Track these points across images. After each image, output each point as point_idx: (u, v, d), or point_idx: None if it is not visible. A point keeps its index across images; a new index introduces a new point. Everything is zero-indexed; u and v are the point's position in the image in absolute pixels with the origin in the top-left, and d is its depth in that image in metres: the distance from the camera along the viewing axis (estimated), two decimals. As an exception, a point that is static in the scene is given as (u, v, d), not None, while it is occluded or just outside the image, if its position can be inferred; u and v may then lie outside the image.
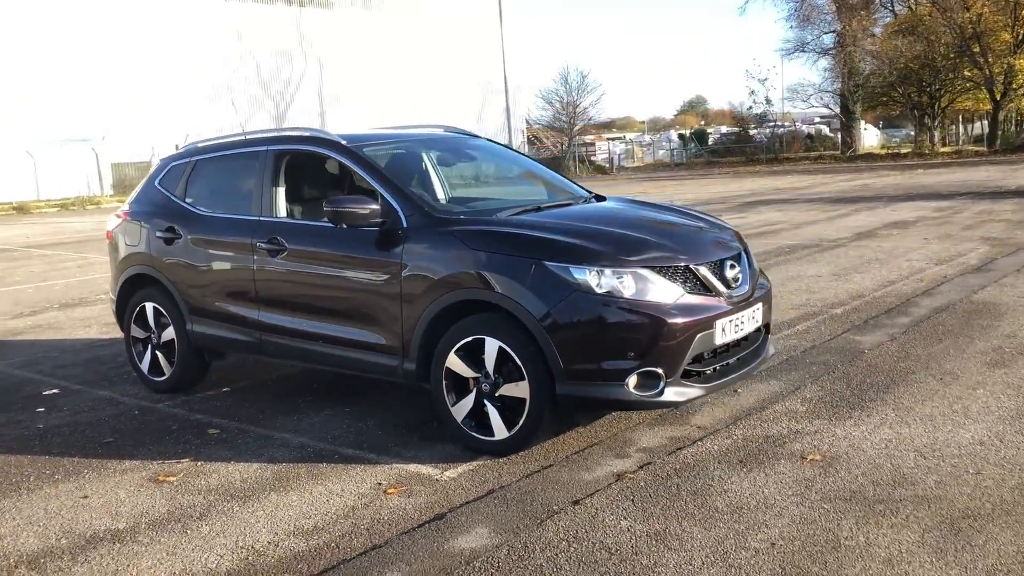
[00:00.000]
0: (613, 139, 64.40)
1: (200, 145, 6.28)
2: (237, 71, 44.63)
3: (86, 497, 4.36)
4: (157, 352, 6.19)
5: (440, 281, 4.67)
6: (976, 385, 5.40)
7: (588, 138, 60.32)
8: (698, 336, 4.45)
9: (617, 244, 4.57)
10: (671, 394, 4.43)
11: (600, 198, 5.84)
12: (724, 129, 62.94)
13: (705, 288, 4.59)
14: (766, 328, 5.20)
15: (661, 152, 57.75)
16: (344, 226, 4.91)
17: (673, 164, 52.32)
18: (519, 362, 4.42)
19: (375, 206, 4.87)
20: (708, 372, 4.63)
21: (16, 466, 4.85)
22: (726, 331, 4.61)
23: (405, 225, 4.84)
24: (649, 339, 4.34)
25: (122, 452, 4.99)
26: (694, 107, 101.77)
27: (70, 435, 5.35)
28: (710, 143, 57.71)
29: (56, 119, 37.30)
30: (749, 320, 4.80)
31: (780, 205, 19.92)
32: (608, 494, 4.06)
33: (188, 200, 6.06)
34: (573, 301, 4.33)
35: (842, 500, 3.86)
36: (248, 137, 5.94)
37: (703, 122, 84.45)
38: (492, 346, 4.49)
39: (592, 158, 53.01)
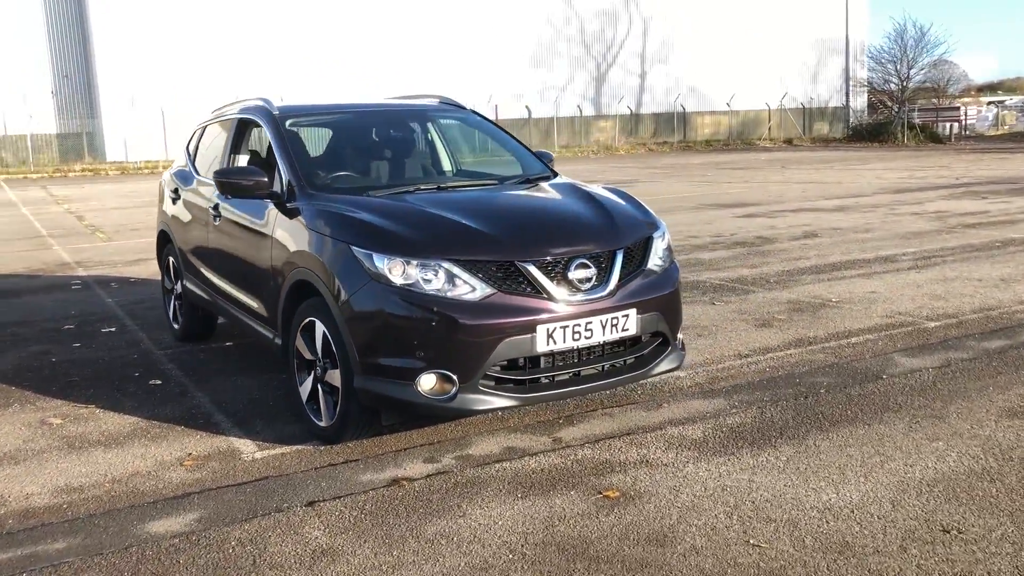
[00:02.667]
0: (994, 102, 56.98)
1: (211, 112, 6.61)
2: (561, 32, 45.70)
3: (-23, 428, 4.86)
4: (175, 303, 6.69)
5: (290, 258, 4.58)
6: (935, 438, 4.28)
7: (964, 100, 53.63)
8: (506, 341, 3.96)
9: (435, 234, 4.17)
10: (466, 401, 4.00)
11: (547, 179, 5.33)
12: None
13: (533, 288, 4.06)
14: (661, 338, 4.49)
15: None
16: (228, 196, 4.95)
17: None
18: (334, 349, 4.23)
19: (261, 178, 4.85)
20: (528, 382, 4.12)
21: (-21, 393, 5.51)
22: (556, 338, 4.05)
23: (284, 199, 4.78)
24: (439, 339, 3.95)
25: (65, 391, 5.47)
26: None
27: (58, 369, 5.95)
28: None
29: (391, 84, 40.36)
30: (605, 328, 4.17)
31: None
32: (352, 500, 3.77)
33: (196, 162, 6.42)
34: (369, 291, 4.05)
35: (565, 549, 3.28)
36: (228, 105, 6.15)
37: None
38: (319, 330, 4.33)
39: (935, 126, 47.28)
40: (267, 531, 3.51)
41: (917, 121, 45.75)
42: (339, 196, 4.64)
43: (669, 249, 4.71)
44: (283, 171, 4.88)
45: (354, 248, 4.12)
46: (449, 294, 3.97)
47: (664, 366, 4.52)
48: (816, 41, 50.31)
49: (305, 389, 4.53)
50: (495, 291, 4.01)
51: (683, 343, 4.77)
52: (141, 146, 34.31)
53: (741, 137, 48.12)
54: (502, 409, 4.20)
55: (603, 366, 4.30)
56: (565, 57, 46.07)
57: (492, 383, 4.04)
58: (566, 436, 4.44)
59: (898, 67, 46.73)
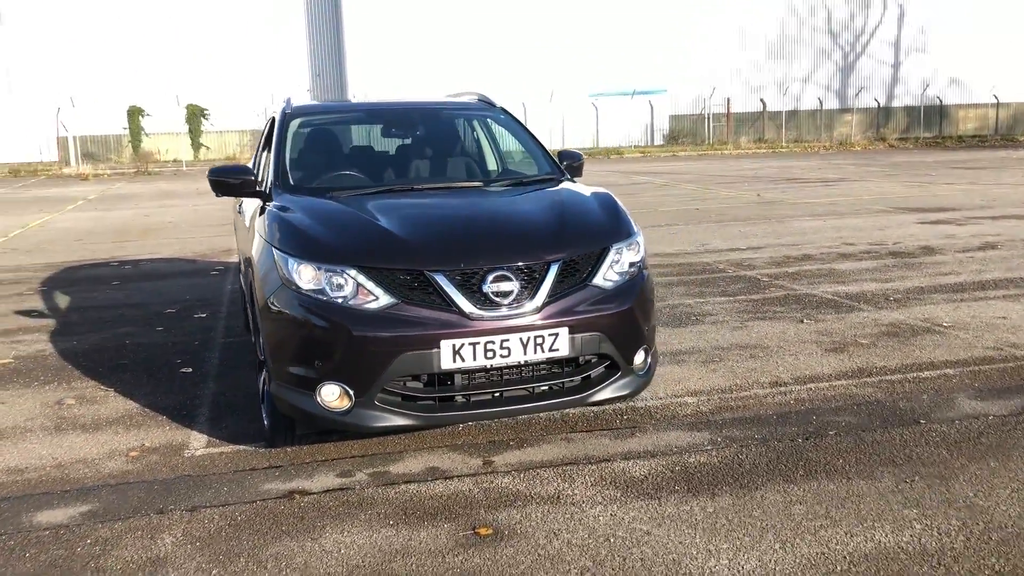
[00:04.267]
0: None
1: None
2: (805, 21, 43.44)
3: (2, 403, 5.26)
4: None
5: (248, 257, 4.58)
6: (914, 504, 3.54)
7: None
8: (404, 355, 3.72)
9: (350, 240, 3.99)
10: (361, 417, 3.80)
11: (546, 182, 4.97)
12: None
13: (443, 300, 3.78)
14: (608, 361, 4.04)
15: None
16: (218, 193, 5.02)
17: None
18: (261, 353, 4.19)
19: (248, 177, 4.87)
20: (439, 400, 3.84)
21: (41, 367, 5.98)
22: (464, 355, 3.75)
23: (265, 199, 4.78)
24: (335, 350, 3.77)
25: (103, 374, 5.81)
26: None
27: (121, 352, 6.34)
28: None
29: (614, 72, 40.05)
30: (527, 347, 3.81)
31: None
32: (229, 510, 3.69)
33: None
34: (280, 295, 3.95)
35: (379, 589, 3.03)
36: None
37: None
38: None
39: None
40: (127, 533, 3.51)
41: None
42: (301, 197, 4.57)
43: (637, 262, 4.24)
44: (269, 170, 4.89)
45: (275, 251, 4.04)
46: (351, 302, 3.79)
47: (609, 393, 4.07)
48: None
49: (260, 390, 4.52)
50: (398, 301, 3.77)
51: (651, 367, 4.29)
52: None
53: (1010, 132, 43.42)
54: (401, 429, 3.96)
55: (532, 388, 3.94)
56: (808, 47, 43.70)
57: (398, 399, 3.81)
58: (501, 460, 4.11)
59: None
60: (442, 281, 3.77)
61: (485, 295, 3.78)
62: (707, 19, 41.18)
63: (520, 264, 3.87)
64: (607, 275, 4.06)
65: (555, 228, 4.13)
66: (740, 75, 42.49)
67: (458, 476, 3.95)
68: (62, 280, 9.58)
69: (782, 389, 5.04)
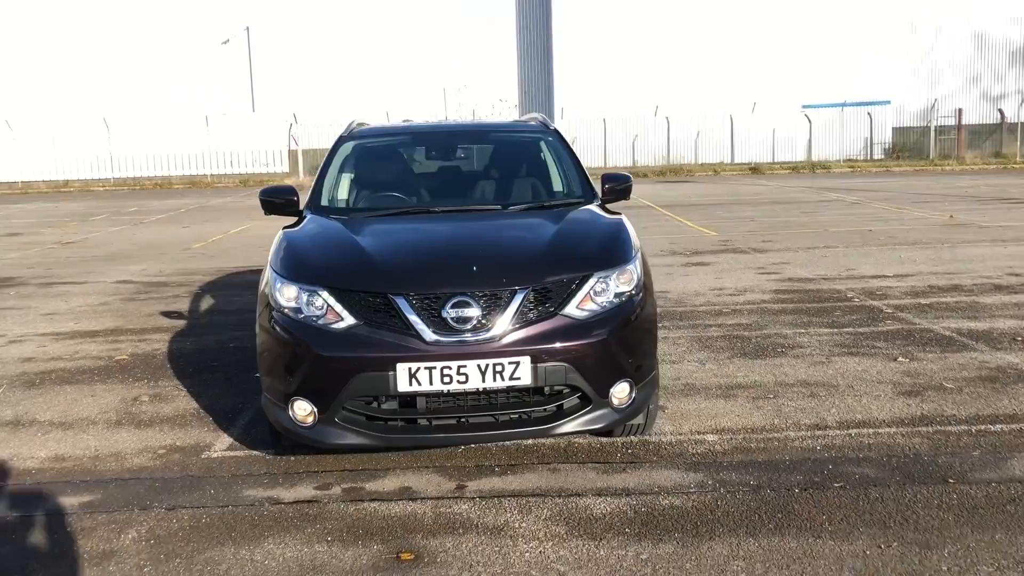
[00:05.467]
0: None
1: None
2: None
3: (92, 395, 5.83)
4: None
5: None
6: (872, 572, 3.20)
7: None
8: (360, 375, 3.81)
9: (329, 262, 4.17)
10: (323, 433, 3.93)
11: (569, 206, 4.90)
12: None
13: (403, 323, 3.83)
14: (579, 392, 3.93)
15: None
16: (267, 213, 5.30)
17: None
18: None
19: (291, 197, 5.14)
20: (405, 422, 3.89)
21: (144, 365, 6.57)
22: (420, 379, 3.78)
23: (300, 218, 5.04)
24: (301, 366, 3.93)
25: (190, 374, 6.29)
26: None
27: (218, 355, 6.84)
28: None
29: (828, 81, 38.17)
30: (485, 374, 3.78)
31: None
32: (193, 512, 3.92)
33: None
34: (267, 311, 4.16)
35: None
36: None
37: None
38: None
39: None
40: (103, 526, 3.81)
41: None
42: (320, 218, 4.80)
43: (628, 292, 4.09)
44: (313, 191, 5.15)
45: (270, 270, 4.26)
46: (320, 322, 3.93)
47: (577, 426, 3.96)
48: None
49: None
50: (361, 323, 3.87)
51: (637, 401, 4.12)
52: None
53: None
54: (361, 448, 4.03)
55: (497, 416, 3.90)
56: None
57: (361, 418, 3.91)
58: (475, 486, 4.10)
59: None
60: (403, 305, 3.83)
61: (444, 320, 3.80)
62: (938, 20, 38.43)
63: (483, 291, 3.85)
64: (583, 304, 3.96)
65: (533, 255, 4.09)
66: (978, 83, 39.36)
67: (423, 498, 3.98)
68: (220, 284, 10.42)
69: (819, 433, 4.68)
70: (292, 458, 4.50)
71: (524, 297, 3.86)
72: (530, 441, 4.55)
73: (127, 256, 13.26)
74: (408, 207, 5.14)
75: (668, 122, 36.26)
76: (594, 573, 3.26)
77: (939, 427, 4.71)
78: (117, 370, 6.45)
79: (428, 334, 3.79)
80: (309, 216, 4.85)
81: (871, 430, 4.70)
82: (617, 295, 4.06)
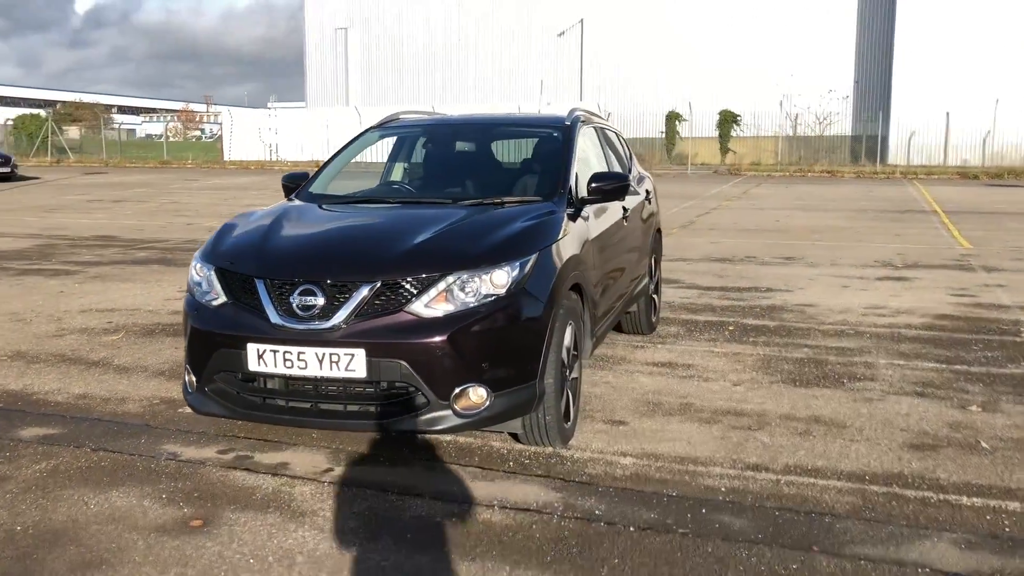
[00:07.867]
0: None
1: None
2: None
3: (164, 349, 6.63)
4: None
5: None
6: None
7: None
8: (220, 351, 4.05)
9: (229, 244, 4.40)
10: (194, 400, 4.24)
11: (527, 203, 4.73)
12: None
13: (259, 305, 4.01)
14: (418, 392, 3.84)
15: None
16: (286, 196, 5.65)
17: None
18: None
19: (302, 181, 5.49)
20: (264, 399, 4.06)
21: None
22: (267, 360, 3.93)
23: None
24: (186, 337, 4.25)
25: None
26: None
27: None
28: None
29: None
30: (322, 363, 3.84)
31: None
32: (115, 457, 4.38)
33: None
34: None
35: (42, 538, 3.49)
36: None
37: None
38: None
39: None
40: (28, 456, 4.40)
41: None
42: (293, 203, 5.09)
43: (496, 295, 3.93)
44: (320, 176, 5.49)
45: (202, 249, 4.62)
46: (205, 298, 4.22)
47: (411, 425, 3.87)
48: None
49: None
50: (230, 302, 4.10)
51: (492, 407, 3.92)
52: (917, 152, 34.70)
53: None
54: (216, 415, 4.22)
55: (347, 405, 3.96)
56: None
57: (226, 390, 4.12)
58: (340, 471, 4.17)
59: None
60: (260, 288, 4.01)
61: (290, 306, 3.92)
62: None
63: (329, 281, 3.91)
64: (435, 303, 3.87)
65: (395, 250, 4.06)
66: None
67: (280, 475, 4.13)
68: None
69: (768, 476, 4.12)
70: (239, 423, 4.83)
71: (369, 291, 3.86)
72: (448, 437, 4.50)
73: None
74: (381, 196, 5.28)
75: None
76: (317, 567, 3.24)
77: (905, 490, 3.96)
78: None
79: (274, 317, 3.93)
80: (294, 201, 5.15)
81: (825, 482, 4.06)
82: (488, 296, 3.92)
